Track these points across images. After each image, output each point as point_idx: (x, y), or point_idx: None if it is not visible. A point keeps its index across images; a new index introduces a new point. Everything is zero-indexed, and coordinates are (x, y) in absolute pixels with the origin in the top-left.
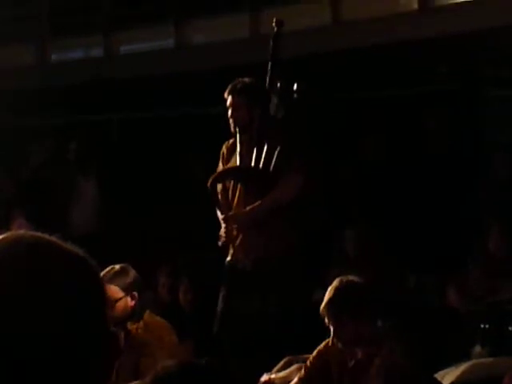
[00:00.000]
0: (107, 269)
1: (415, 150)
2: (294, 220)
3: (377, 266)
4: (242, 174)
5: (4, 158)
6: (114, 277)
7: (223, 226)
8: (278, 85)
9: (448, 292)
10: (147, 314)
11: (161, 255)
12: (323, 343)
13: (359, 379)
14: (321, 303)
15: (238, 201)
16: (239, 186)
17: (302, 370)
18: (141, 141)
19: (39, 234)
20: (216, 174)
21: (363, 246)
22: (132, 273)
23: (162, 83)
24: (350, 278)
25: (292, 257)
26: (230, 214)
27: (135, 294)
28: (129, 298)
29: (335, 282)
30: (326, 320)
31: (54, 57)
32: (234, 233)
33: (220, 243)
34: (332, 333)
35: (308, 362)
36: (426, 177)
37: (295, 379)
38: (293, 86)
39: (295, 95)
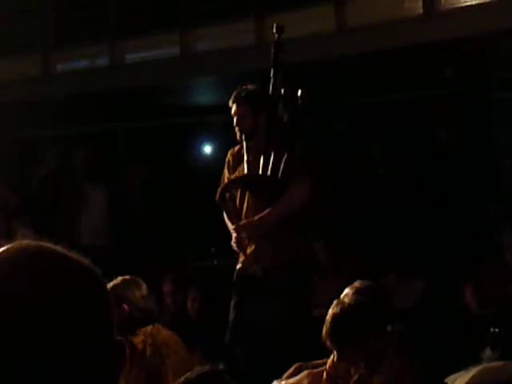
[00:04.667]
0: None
1: (424, 156)
2: (303, 227)
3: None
4: (250, 182)
5: (9, 169)
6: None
7: (234, 236)
8: (282, 91)
9: (465, 295)
10: (155, 328)
11: (167, 264)
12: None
13: None
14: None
15: (246, 209)
16: (247, 193)
17: None
18: (147, 150)
19: (44, 243)
20: (223, 185)
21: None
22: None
23: (168, 92)
24: (351, 294)
25: (300, 263)
26: (240, 223)
27: (125, 306)
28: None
29: (335, 306)
30: (328, 345)
31: (58, 67)
32: (246, 242)
33: (235, 248)
34: (335, 354)
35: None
36: (435, 184)
37: None
38: (296, 92)
39: (299, 101)
